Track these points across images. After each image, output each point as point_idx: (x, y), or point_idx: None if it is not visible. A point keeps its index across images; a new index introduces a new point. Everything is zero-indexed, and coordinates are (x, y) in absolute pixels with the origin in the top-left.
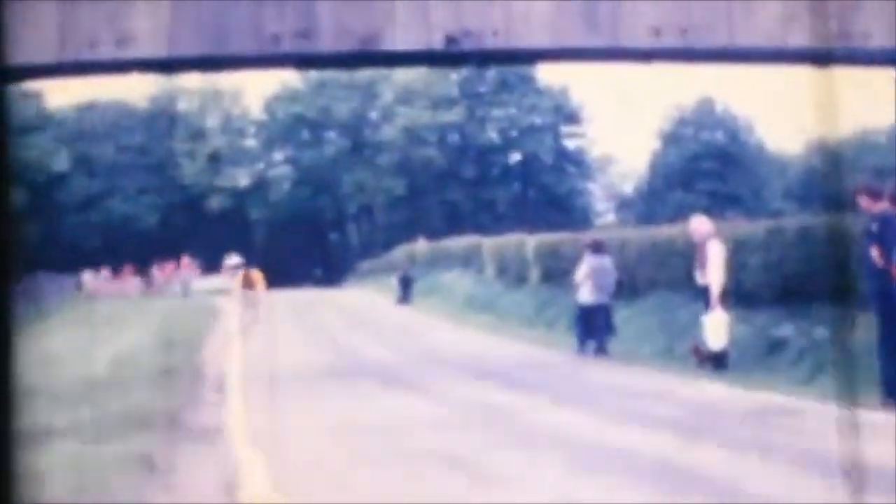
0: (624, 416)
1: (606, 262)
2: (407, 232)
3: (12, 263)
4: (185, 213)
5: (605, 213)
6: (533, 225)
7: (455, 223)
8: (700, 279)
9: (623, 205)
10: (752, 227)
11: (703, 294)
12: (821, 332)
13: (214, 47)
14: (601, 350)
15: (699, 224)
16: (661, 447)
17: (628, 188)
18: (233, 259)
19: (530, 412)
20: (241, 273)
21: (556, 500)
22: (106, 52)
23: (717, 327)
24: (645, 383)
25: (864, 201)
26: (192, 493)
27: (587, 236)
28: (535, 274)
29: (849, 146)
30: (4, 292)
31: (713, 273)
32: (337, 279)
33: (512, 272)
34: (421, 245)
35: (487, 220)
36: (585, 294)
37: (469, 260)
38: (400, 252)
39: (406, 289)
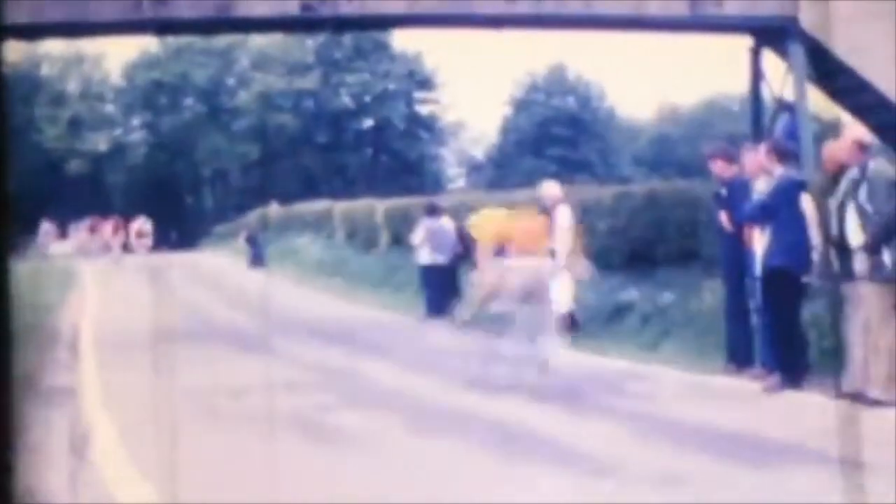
0: (467, 380)
1: (443, 224)
2: (261, 196)
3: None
4: (45, 176)
5: (456, 179)
6: (385, 190)
7: (308, 188)
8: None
9: (474, 170)
10: (600, 192)
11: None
12: (666, 297)
13: (76, 13)
14: (444, 312)
15: (549, 189)
16: (506, 411)
17: (479, 154)
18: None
19: (377, 374)
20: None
21: (399, 461)
22: None
23: (564, 290)
24: (489, 346)
25: (716, 166)
26: (43, 453)
27: (435, 200)
28: (384, 238)
29: (700, 113)
30: None
31: (560, 238)
32: (192, 242)
33: (362, 236)
34: (274, 209)
35: (340, 184)
36: (424, 255)
37: (320, 224)
38: (253, 216)
39: (255, 249)
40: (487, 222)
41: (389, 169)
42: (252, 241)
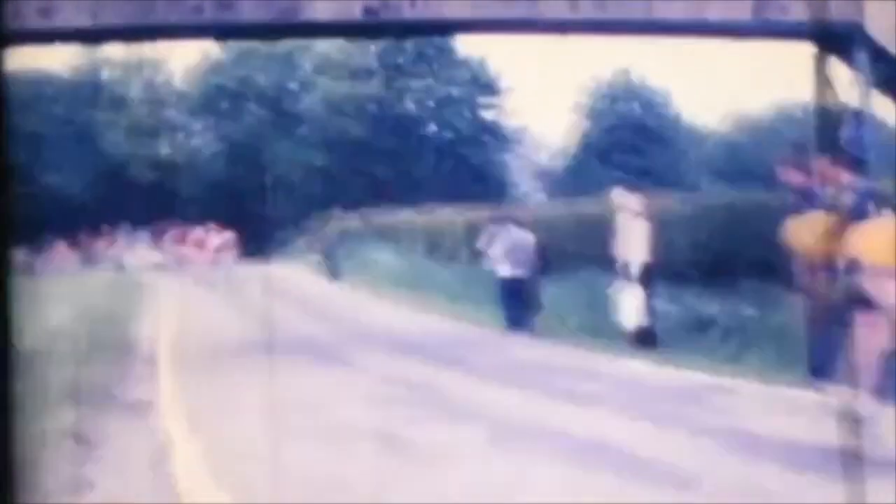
0: (549, 392)
1: (521, 235)
2: (326, 203)
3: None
4: (110, 183)
5: (521, 185)
6: (450, 196)
7: (373, 194)
8: (619, 255)
9: (540, 176)
10: (679, 204)
11: (622, 270)
12: (747, 311)
13: (137, 17)
14: (525, 325)
15: (620, 198)
16: (587, 424)
17: (545, 159)
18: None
19: (457, 388)
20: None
21: (480, 475)
22: (29, 22)
23: (632, 304)
24: (570, 360)
25: (786, 175)
26: (122, 467)
27: (513, 212)
28: (465, 251)
29: (768, 120)
30: None
31: (631, 249)
32: (259, 251)
33: (442, 249)
34: (351, 219)
35: (406, 191)
36: (503, 269)
37: (399, 236)
38: (329, 226)
39: (331, 260)
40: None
41: (454, 174)
42: (329, 252)
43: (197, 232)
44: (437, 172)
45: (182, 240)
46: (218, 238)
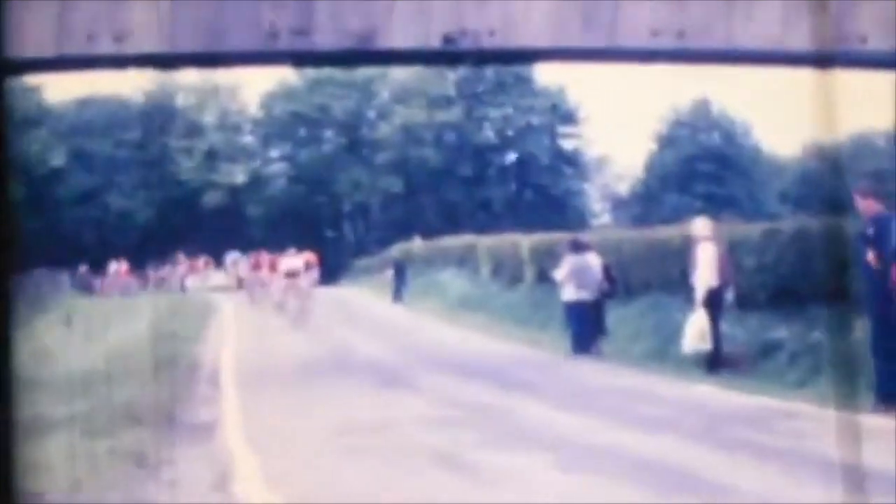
0: (615, 417)
1: (589, 260)
2: (403, 230)
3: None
4: (182, 209)
5: (600, 214)
6: (528, 225)
7: (451, 222)
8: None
9: (619, 206)
10: (748, 229)
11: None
12: (815, 335)
13: (212, 43)
14: (590, 349)
15: (700, 227)
16: (653, 448)
17: (624, 189)
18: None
19: (522, 411)
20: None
21: (547, 500)
22: (104, 47)
23: (693, 328)
24: (638, 384)
25: (861, 204)
26: (184, 489)
27: (580, 235)
28: (529, 274)
29: (847, 149)
30: (4, 286)
31: (700, 274)
32: (332, 277)
33: (506, 272)
34: (417, 244)
35: (483, 219)
36: (569, 292)
37: (464, 259)
38: (395, 250)
39: (400, 278)
40: None
41: (533, 204)
42: (399, 270)
43: (273, 256)
44: (516, 201)
45: (257, 264)
46: (296, 261)
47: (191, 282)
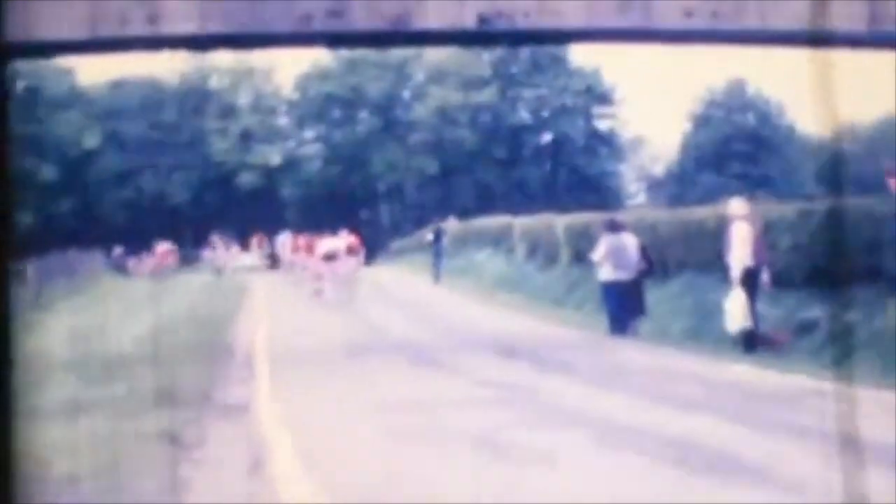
0: (652, 397)
1: (625, 239)
2: (438, 211)
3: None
4: (217, 190)
5: (636, 195)
6: (564, 205)
7: (486, 203)
8: (730, 261)
9: (654, 186)
10: (782, 209)
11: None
12: (851, 315)
13: (245, 25)
14: (627, 330)
15: (736, 207)
16: (689, 428)
17: (659, 170)
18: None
19: (559, 392)
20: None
21: (585, 480)
22: (137, 29)
23: (734, 307)
24: (674, 364)
25: (892, 184)
26: (219, 470)
27: (616, 215)
28: (565, 254)
29: (880, 130)
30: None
31: (735, 254)
32: (368, 258)
33: (542, 252)
34: (452, 224)
35: (518, 200)
36: (606, 272)
37: (500, 240)
38: (431, 231)
39: (437, 259)
40: None
41: (568, 184)
42: (437, 251)
43: (311, 238)
44: (551, 182)
45: (296, 246)
46: (336, 243)
47: (223, 263)
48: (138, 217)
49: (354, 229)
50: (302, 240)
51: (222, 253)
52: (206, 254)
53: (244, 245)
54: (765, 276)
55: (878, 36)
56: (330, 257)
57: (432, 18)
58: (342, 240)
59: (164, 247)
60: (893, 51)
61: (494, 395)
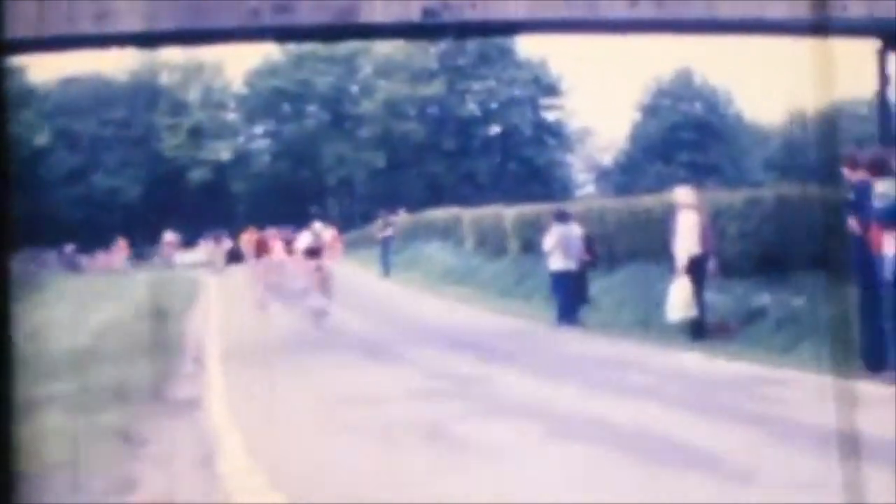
0: (601, 386)
1: (573, 230)
2: (387, 204)
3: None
4: (168, 186)
5: (584, 185)
6: (513, 197)
7: (435, 195)
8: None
9: (602, 176)
10: (730, 196)
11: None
12: (799, 302)
13: (193, 21)
14: (575, 319)
15: (683, 195)
16: (638, 417)
17: (608, 160)
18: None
19: (507, 382)
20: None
21: (533, 470)
22: (85, 27)
23: (677, 296)
24: (622, 353)
25: (845, 171)
26: (170, 465)
27: (564, 206)
28: (514, 245)
29: (829, 117)
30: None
31: (681, 242)
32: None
33: (491, 244)
34: (401, 217)
35: (467, 192)
36: (556, 262)
37: (448, 232)
38: (379, 224)
39: (383, 258)
40: None
41: (517, 175)
42: (382, 249)
43: (285, 232)
44: (499, 173)
45: (263, 244)
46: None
47: (178, 259)
48: (90, 214)
49: (302, 223)
50: (267, 236)
51: (172, 250)
52: (163, 250)
53: (199, 241)
54: (712, 265)
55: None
56: (313, 253)
57: (378, 12)
58: (327, 231)
59: (122, 243)
60: (838, 37)
61: (443, 386)
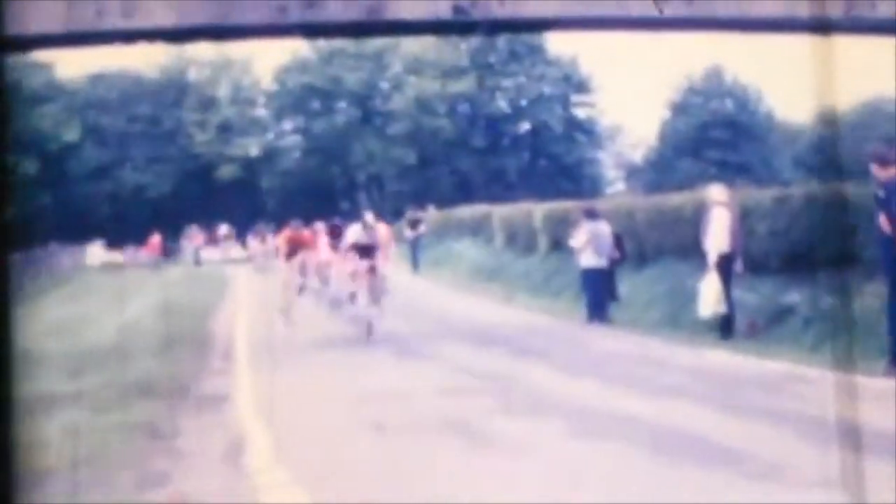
0: (630, 384)
1: (602, 226)
2: (417, 201)
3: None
4: (196, 182)
5: (614, 182)
6: (543, 194)
7: (465, 192)
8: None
9: (633, 173)
10: (759, 195)
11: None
12: (827, 300)
13: (221, 16)
14: (605, 316)
15: (715, 193)
16: (667, 414)
17: (638, 157)
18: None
19: (537, 379)
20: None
21: (561, 467)
22: (113, 22)
23: (708, 292)
24: (651, 351)
25: (873, 168)
26: (196, 461)
27: (594, 203)
28: (543, 242)
29: (858, 115)
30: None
31: (712, 239)
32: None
33: (520, 241)
34: (431, 213)
35: (497, 189)
36: (587, 259)
37: (478, 229)
38: (412, 220)
39: (414, 254)
40: None
41: (547, 173)
42: (412, 245)
43: (336, 225)
44: (530, 170)
45: (298, 238)
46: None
47: (208, 255)
48: (118, 210)
49: (333, 219)
50: (299, 231)
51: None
52: (190, 246)
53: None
54: (738, 264)
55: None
56: (364, 251)
57: (407, 8)
58: (381, 225)
59: (155, 238)
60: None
61: (473, 383)
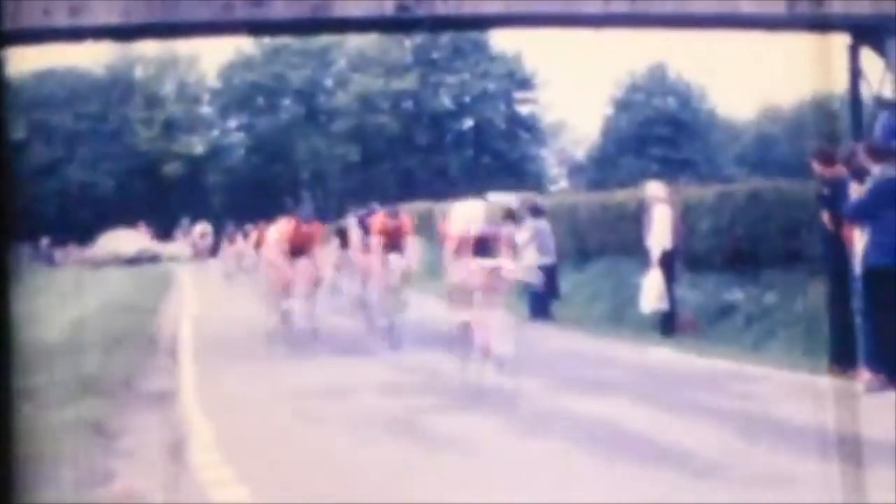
0: (572, 381)
1: (544, 224)
2: (361, 198)
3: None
4: (142, 179)
5: (557, 179)
6: (486, 191)
7: (409, 189)
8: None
9: (575, 170)
10: (702, 191)
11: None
12: (770, 298)
13: (168, 14)
14: (549, 313)
15: (653, 189)
16: (609, 412)
17: (581, 154)
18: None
19: (477, 375)
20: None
21: (502, 464)
22: (60, 20)
23: (650, 289)
24: (593, 348)
25: (817, 166)
26: (142, 458)
27: (536, 200)
28: None
29: (801, 112)
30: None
31: (654, 236)
32: None
33: None
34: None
35: (441, 185)
36: (530, 257)
37: (421, 226)
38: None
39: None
40: None
41: (490, 169)
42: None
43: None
44: (473, 167)
45: (230, 236)
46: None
47: (153, 252)
48: (64, 208)
49: (276, 217)
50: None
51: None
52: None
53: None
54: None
55: (797, 18)
56: (395, 244)
57: (351, 6)
58: (405, 216)
59: (89, 238)
60: (811, 32)
61: (413, 380)
